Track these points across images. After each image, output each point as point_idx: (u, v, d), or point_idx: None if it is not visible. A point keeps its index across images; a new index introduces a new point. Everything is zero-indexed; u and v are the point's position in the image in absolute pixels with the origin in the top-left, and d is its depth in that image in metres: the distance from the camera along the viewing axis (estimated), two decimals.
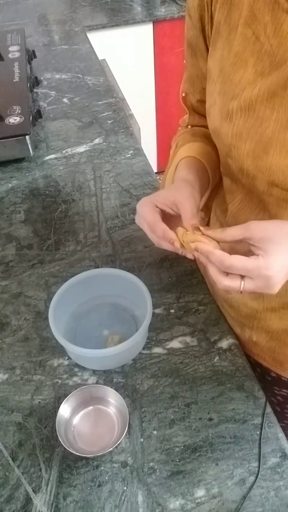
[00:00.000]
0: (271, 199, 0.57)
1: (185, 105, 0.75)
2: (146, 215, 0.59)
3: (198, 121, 0.75)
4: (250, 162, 0.55)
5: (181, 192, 0.60)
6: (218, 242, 0.54)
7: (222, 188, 0.72)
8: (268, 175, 0.54)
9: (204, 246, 0.52)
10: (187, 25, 0.63)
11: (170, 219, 0.60)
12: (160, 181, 0.77)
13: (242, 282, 0.51)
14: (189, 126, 0.77)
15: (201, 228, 0.55)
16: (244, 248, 0.53)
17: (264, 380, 0.79)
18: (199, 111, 0.74)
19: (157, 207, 0.60)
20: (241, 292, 0.52)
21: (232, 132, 0.55)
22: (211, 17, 0.57)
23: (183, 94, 0.74)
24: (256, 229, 0.50)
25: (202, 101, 0.69)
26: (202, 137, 0.72)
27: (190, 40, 0.63)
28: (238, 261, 0.50)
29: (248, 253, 0.51)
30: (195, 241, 0.54)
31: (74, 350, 0.70)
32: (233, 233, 0.52)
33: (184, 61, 0.70)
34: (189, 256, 0.57)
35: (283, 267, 0.49)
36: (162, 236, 0.57)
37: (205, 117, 0.71)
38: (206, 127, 0.70)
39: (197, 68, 0.65)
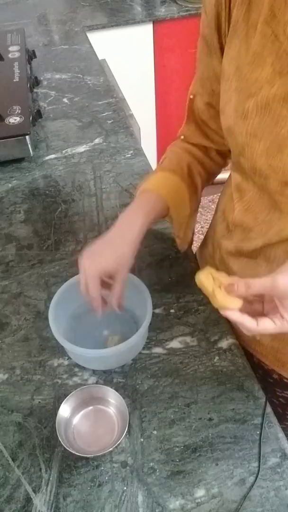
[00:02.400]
0: (283, 199, 0.57)
1: (190, 108, 0.75)
2: (93, 289, 0.66)
3: (193, 133, 0.76)
4: (264, 161, 0.55)
5: (123, 269, 0.67)
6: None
7: (229, 187, 0.72)
8: (282, 175, 0.54)
9: (233, 315, 0.53)
10: (202, 21, 0.62)
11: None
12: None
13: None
14: (182, 137, 0.78)
15: (223, 288, 0.53)
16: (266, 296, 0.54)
17: (266, 381, 0.79)
18: (202, 116, 0.73)
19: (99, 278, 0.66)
20: None
21: (247, 131, 0.55)
22: (229, 15, 0.56)
23: (191, 96, 0.73)
24: (282, 287, 0.49)
25: (210, 105, 0.69)
26: (184, 167, 0.74)
27: (205, 36, 0.62)
28: (265, 329, 0.52)
29: (270, 302, 0.53)
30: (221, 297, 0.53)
31: (74, 350, 0.70)
32: (258, 289, 0.51)
33: (196, 62, 0.69)
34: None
35: None
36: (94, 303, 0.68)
37: (202, 133, 0.72)
38: (196, 145, 0.73)
39: (210, 68, 0.64)
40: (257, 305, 0.56)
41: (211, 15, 0.58)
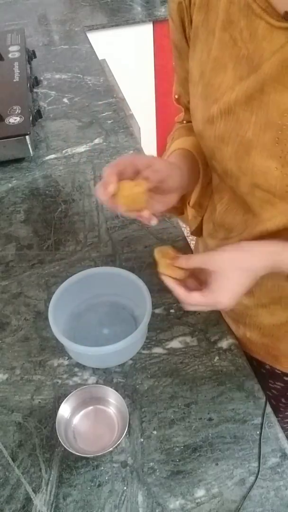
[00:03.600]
0: (254, 200, 0.58)
1: (179, 105, 0.76)
2: (114, 162, 0.58)
3: None
4: (233, 164, 0.56)
5: (162, 160, 0.63)
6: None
7: (213, 187, 0.73)
8: (251, 177, 0.55)
9: (169, 282, 0.60)
10: (171, 28, 0.63)
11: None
12: None
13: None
14: (184, 122, 0.78)
15: (168, 260, 0.60)
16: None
17: (259, 372, 0.79)
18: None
19: (132, 164, 0.59)
20: None
21: (215, 135, 0.56)
22: (191, 20, 0.57)
23: (176, 96, 0.75)
24: (211, 264, 0.57)
25: None
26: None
27: (176, 42, 0.64)
28: (193, 300, 0.58)
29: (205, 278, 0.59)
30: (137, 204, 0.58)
31: (75, 349, 0.70)
32: (194, 263, 0.59)
33: (173, 64, 0.70)
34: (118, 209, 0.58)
35: (231, 299, 0.57)
36: (103, 175, 0.56)
37: None
38: None
39: (185, 70, 0.65)
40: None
41: (177, 21, 0.60)
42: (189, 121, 0.76)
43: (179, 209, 0.79)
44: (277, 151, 0.50)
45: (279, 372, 0.80)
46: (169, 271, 0.60)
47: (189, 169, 0.67)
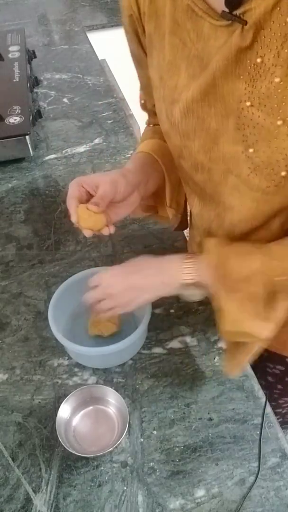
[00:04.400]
0: (226, 189, 0.59)
1: (145, 110, 0.80)
2: (69, 190, 0.68)
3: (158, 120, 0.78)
4: (203, 157, 0.57)
5: (105, 177, 0.67)
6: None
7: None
8: (223, 164, 0.56)
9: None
10: (127, 39, 0.66)
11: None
12: None
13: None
14: (151, 125, 0.81)
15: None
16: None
17: (259, 356, 0.79)
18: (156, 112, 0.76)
19: (82, 186, 0.68)
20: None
21: (180, 134, 0.58)
22: (144, 30, 0.60)
23: (142, 101, 0.78)
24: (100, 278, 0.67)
25: None
26: (160, 134, 0.74)
27: (133, 52, 0.67)
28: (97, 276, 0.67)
29: None
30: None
31: (75, 349, 0.70)
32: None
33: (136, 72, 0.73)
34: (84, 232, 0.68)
35: (116, 283, 0.66)
36: (68, 207, 0.67)
37: None
38: None
39: (146, 77, 0.68)
40: None
41: (131, 33, 0.62)
42: (155, 124, 0.80)
43: (153, 208, 0.82)
44: (239, 136, 0.52)
45: (280, 354, 0.80)
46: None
47: (140, 170, 0.72)
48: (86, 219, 0.66)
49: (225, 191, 0.59)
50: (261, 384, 0.73)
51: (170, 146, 0.65)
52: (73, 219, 0.66)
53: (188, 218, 0.85)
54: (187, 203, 0.75)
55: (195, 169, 0.61)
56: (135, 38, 0.63)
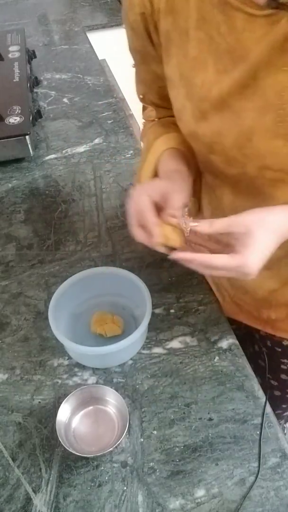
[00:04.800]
0: (265, 181, 0.58)
1: (146, 103, 0.77)
2: (139, 202, 0.59)
3: (165, 113, 0.76)
4: (236, 152, 0.56)
5: (175, 185, 0.61)
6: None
7: (208, 186, 0.73)
8: (258, 160, 0.55)
9: (185, 254, 0.56)
10: (131, 37, 0.64)
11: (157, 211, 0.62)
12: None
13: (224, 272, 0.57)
14: (156, 119, 0.77)
15: (190, 223, 0.57)
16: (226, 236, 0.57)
17: (273, 352, 0.78)
18: (162, 105, 0.74)
19: (150, 196, 0.61)
20: None
21: (211, 131, 0.56)
22: (156, 27, 0.58)
23: (141, 96, 0.76)
24: (239, 225, 0.54)
25: (162, 96, 0.70)
26: (173, 126, 0.72)
27: (138, 49, 0.65)
28: (218, 261, 0.55)
29: (230, 242, 0.56)
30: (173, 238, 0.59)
31: (75, 349, 0.70)
32: (219, 227, 0.55)
33: (133, 66, 0.71)
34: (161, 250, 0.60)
35: (259, 261, 0.55)
36: (145, 227, 0.58)
37: (170, 109, 0.71)
38: (172, 116, 0.71)
39: (151, 72, 0.67)
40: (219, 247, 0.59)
41: (139, 30, 0.60)
42: (161, 117, 0.76)
43: None
44: (280, 130, 0.51)
45: None
46: (170, 241, 0.58)
47: (187, 169, 0.67)
48: (173, 238, 0.58)
49: (265, 183, 0.58)
50: (273, 386, 0.72)
51: (196, 145, 0.62)
52: (158, 240, 0.58)
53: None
54: (215, 194, 0.71)
55: (228, 164, 0.59)
56: (144, 36, 0.61)
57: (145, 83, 0.72)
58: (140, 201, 0.59)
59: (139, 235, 0.60)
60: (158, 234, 0.57)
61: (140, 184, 0.63)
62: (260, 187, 0.59)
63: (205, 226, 0.56)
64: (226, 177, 0.62)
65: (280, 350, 0.82)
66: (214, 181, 0.67)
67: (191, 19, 0.53)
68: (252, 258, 0.54)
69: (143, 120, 0.81)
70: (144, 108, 0.79)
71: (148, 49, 0.63)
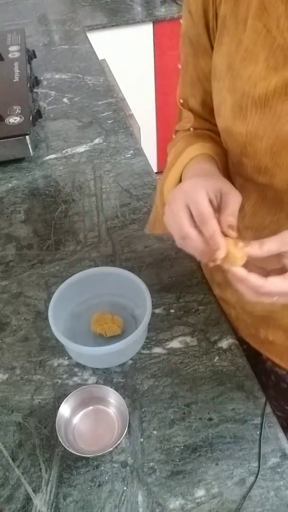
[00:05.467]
0: None
1: (185, 108, 0.72)
2: (200, 202, 0.50)
3: (203, 124, 0.71)
4: (269, 159, 0.52)
5: (227, 184, 0.54)
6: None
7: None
8: None
9: (239, 271, 0.49)
10: (186, 23, 0.60)
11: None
12: (158, 185, 0.73)
13: (276, 297, 0.50)
14: (191, 129, 0.72)
15: (239, 243, 0.49)
16: (273, 263, 0.51)
17: (279, 388, 0.76)
18: (202, 114, 0.70)
19: (207, 194, 0.52)
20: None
21: (247, 130, 0.53)
22: (216, 13, 0.54)
23: (181, 100, 0.70)
24: None
25: (204, 104, 0.67)
26: (208, 139, 0.67)
27: (192, 38, 0.60)
28: (274, 285, 0.48)
29: (274, 271, 0.50)
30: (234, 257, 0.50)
31: (75, 348, 0.70)
32: (271, 248, 0.49)
33: (180, 65, 0.67)
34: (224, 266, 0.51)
35: None
36: (209, 236, 0.49)
37: (208, 121, 0.68)
38: (210, 130, 0.68)
39: (199, 70, 0.62)
40: (261, 272, 0.52)
41: (198, 14, 0.56)
42: (197, 128, 0.71)
43: None
44: None
45: None
46: (238, 261, 0.49)
47: (219, 169, 0.62)
48: (237, 257, 0.49)
49: None
50: (286, 411, 0.69)
51: (230, 144, 0.57)
52: (222, 254, 0.49)
53: None
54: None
55: (257, 171, 0.55)
56: (201, 22, 0.56)
57: (190, 83, 0.66)
58: (198, 199, 0.50)
59: (196, 241, 0.50)
60: (224, 248, 0.48)
61: (195, 182, 0.53)
62: (286, 202, 0.56)
63: (255, 247, 0.48)
64: (255, 184, 0.59)
65: (285, 386, 0.79)
66: (243, 184, 0.63)
67: (251, 8, 0.49)
68: None
69: (175, 131, 0.74)
70: (179, 119, 0.73)
71: (203, 39, 0.58)
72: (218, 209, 0.52)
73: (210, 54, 0.59)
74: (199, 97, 0.67)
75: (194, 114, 0.70)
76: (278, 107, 0.49)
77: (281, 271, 0.50)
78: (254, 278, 0.48)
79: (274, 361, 0.79)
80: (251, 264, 0.52)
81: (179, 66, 0.67)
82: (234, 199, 0.52)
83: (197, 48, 0.61)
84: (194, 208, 0.51)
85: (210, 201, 0.51)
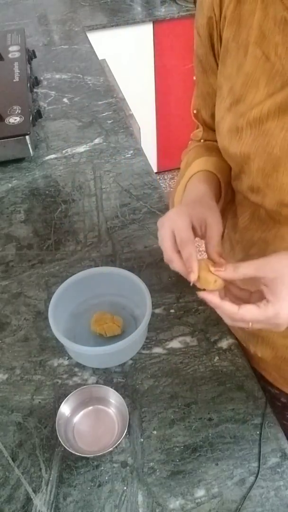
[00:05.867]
0: (281, 218, 0.56)
1: (197, 121, 0.74)
2: (181, 229, 0.55)
3: (212, 136, 0.72)
4: (261, 180, 0.54)
5: (212, 213, 0.57)
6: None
7: (233, 203, 0.71)
8: (279, 194, 0.53)
9: (212, 298, 0.52)
10: (196, 42, 0.62)
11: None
12: (170, 193, 0.73)
13: (251, 323, 0.52)
14: (202, 141, 0.75)
15: (212, 268, 0.53)
16: (254, 285, 0.53)
17: (274, 405, 0.76)
18: (211, 126, 0.72)
19: (191, 222, 0.56)
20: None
21: (241, 151, 0.54)
22: (220, 36, 0.56)
23: (195, 111, 0.72)
24: (269, 270, 0.50)
25: (214, 117, 0.67)
26: (216, 151, 0.69)
27: (201, 57, 0.62)
28: (248, 313, 0.50)
29: (256, 292, 0.52)
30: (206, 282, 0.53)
31: (75, 348, 0.70)
32: (245, 272, 0.51)
33: (194, 78, 0.68)
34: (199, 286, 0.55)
35: None
36: (185, 259, 0.54)
37: None
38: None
39: (208, 85, 0.64)
40: (244, 293, 0.55)
41: (204, 36, 0.58)
42: (207, 140, 0.74)
43: None
44: None
45: None
46: (211, 285, 0.53)
47: (216, 188, 0.65)
48: (209, 281, 0.53)
49: (280, 220, 0.56)
50: (285, 425, 0.69)
51: (229, 161, 0.60)
52: (194, 277, 0.53)
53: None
54: (236, 212, 0.68)
55: (251, 190, 0.57)
56: (207, 43, 0.58)
57: (202, 96, 0.69)
58: (180, 226, 0.55)
59: (177, 264, 0.55)
60: (196, 272, 0.52)
61: (180, 205, 0.58)
62: (276, 223, 0.57)
63: (229, 270, 0.51)
64: (249, 202, 0.60)
65: (280, 404, 0.78)
66: (241, 199, 0.65)
67: (252, 34, 0.51)
68: (284, 307, 0.49)
69: (191, 140, 0.77)
70: (196, 127, 0.76)
71: (209, 59, 0.61)
72: (202, 237, 0.57)
73: (216, 73, 0.60)
74: (209, 111, 0.69)
75: (205, 126, 0.73)
76: (270, 130, 0.51)
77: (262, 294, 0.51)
78: (227, 306, 0.51)
79: (266, 378, 0.78)
80: (234, 286, 0.55)
81: (194, 78, 0.69)
82: (217, 231, 0.55)
83: (206, 66, 0.63)
84: (177, 234, 0.55)
85: (195, 229, 0.56)
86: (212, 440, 0.66)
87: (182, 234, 0.54)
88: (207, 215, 0.56)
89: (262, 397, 0.70)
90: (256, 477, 0.62)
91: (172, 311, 0.82)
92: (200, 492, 0.61)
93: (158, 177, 1.98)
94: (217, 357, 0.75)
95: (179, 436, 0.66)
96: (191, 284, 0.54)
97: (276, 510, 0.59)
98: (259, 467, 0.63)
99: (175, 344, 0.77)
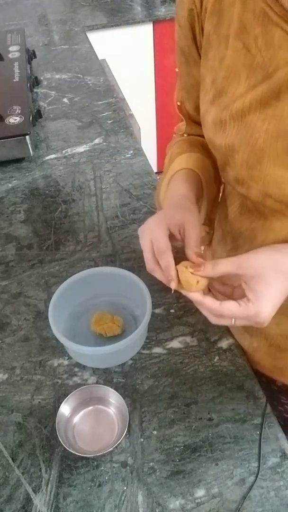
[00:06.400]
0: (265, 209, 0.57)
1: (181, 113, 0.74)
2: (159, 239, 0.57)
3: (196, 130, 0.74)
4: (245, 172, 0.54)
5: (190, 216, 0.59)
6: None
7: (224, 194, 0.71)
8: (262, 186, 0.53)
9: (194, 295, 0.53)
10: (178, 34, 0.62)
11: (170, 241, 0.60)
12: (157, 185, 0.74)
13: (233, 320, 0.53)
14: (185, 135, 0.75)
15: (190, 269, 0.54)
16: (236, 279, 0.54)
17: (270, 389, 0.76)
18: (195, 119, 0.72)
19: (168, 230, 0.58)
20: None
21: (226, 143, 0.55)
22: (202, 28, 0.56)
23: (178, 103, 0.72)
24: (249, 268, 0.51)
25: (198, 109, 0.67)
26: (199, 147, 0.70)
27: (183, 49, 0.62)
28: (228, 310, 0.51)
29: (239, 287, 0.53)
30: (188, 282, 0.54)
31: (75, 348, 0.70)
32: (225, 268, 0.52)
33: (177, 70, 0.68)
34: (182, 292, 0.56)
35: (272, 310, 0.51)
36: (164, 268, 0.56)
37: (201, 126, 0.70)
38: (203, 136, 0.69)
39: (192, 77, 0.64)
40: (226, 288, 0.56)
41: (186, 28, 0.58)
42: (190, 134, 0.74)
43: None
44: None
45: None
46: (193, 287, 0.54)
47: (196, 194, 0.66)
48: (191, 283, 0.54)
49: (265, 211, 0.56)
50: (281, 411, 0.69)
51: (214, 153, 0.60)
52: (174, 285, 0.54)
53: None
54: (226, 202, 0.69)
55: (236, 181, 0.57)
56: (190, 35, 0.58)
57: (185, 88, 0.69)
58: (158, 236, 0.56)
59: (157, 274, 0.58)
60: (175, 279, 0.54)
61: (159, 213, 0.60)
62: (262, 214, 0.58)
63: (208, 269, 0.52)
64: (237, 193, 0.61)
65: (276, 388, 0.79)
66: (230, 191, 0.66)
67: (233, 26, 0.50)
68: (264, 306, 0.50)
69: (174, 133, 0.78)
70: (180, 120, 0.76)
71: (192, 50, 0.60)
72: (182, 240, 0.58)
73: (199, 64, 0.60)
74: (193, 103, 0.69)
75: (189, 119, 0.73)
76: (252, 122, 0.51)
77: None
78: (209, 301, 0.52)
79: (259, 370, 0.79)
80: (217, 281, 0.56)
81: (177, 70, 0.69)
82: (194, 234, 0.57)
83: (189, 58, 0.63)
84: (154, 244, 0.57)
85: (173, 235, 0.58)
86: (212, 440, 0.66)
87: (159, 244, 0.56)
88: (185, 220, 0.58)
89: (262, 397, 0.70)
90: (256, 477, 0.62)
91: (172, 311, 0.82)
92: (200, 492, 0.61)
93: (158, 177, 1.98)
94: (217, 357, 0.75)
95: (179, 436, 0.66)
96: (172, 292, 0.55)
97: (276, 510, 0.59)
98: (259, 467, 0.63)
99: (175, 344, 0.77)
